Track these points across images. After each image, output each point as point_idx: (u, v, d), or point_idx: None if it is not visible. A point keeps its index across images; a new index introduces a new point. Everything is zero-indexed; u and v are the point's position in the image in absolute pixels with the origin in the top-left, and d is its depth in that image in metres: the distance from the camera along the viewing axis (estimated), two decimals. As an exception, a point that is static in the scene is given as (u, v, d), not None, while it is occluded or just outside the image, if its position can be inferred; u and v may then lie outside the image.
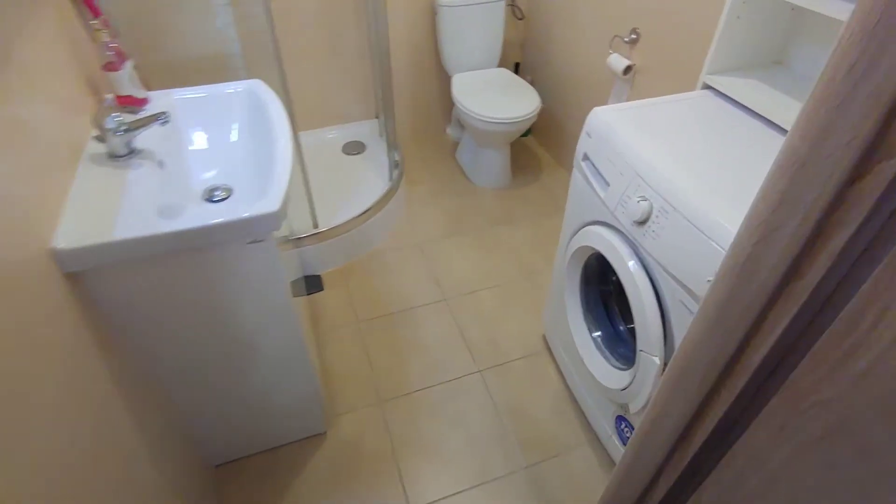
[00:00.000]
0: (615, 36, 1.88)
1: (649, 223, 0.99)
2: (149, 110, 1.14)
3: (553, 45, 2.35)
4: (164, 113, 1.00)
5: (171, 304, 0.95)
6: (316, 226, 1.88)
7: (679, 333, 0.97)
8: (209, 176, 1.17)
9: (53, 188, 0.85)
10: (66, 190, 0.88)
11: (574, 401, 1.54)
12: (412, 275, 1.95)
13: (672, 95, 1.23)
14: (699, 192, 0.92)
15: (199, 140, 1.21)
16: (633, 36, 1.79)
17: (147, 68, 1.22)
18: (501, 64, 2.47)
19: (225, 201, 1.14)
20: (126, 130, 0.96)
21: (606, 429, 1.36)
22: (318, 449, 1.42)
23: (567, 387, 1.58)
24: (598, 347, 1.31)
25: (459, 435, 1.46)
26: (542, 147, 2.66)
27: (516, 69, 2.69)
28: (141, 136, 1.02)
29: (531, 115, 2.08)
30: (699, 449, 0.61)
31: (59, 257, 0.79)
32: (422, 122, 2.70)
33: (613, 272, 1.12)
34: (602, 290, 1.36)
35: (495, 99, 2.16)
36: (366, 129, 2.54)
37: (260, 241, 0.93)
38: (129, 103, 1.12)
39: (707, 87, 1.26)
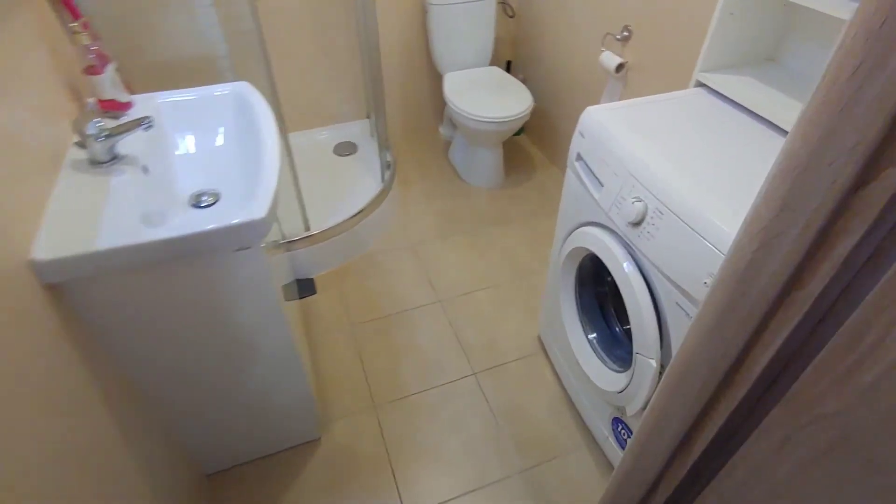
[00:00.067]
0: (607, 33, 1.86)
1: (644, 224, 0.98)
2: (132, 115, 1.12)
3: (545, 43, 2.34)
4: (147, 118, 0.97)
5: (156, 314, 0.93)
6: (308, 228, 1.86)
7: (675, 336, 0.96)
8: (196, 181, 1.15)
9: (32, 196, 0.82)
10: (45, 198, 0.86)
11: (570, 402, 1.53)
12: (406, 277, 1.93)
13: (665, 94, 1.22)
14: (694, 193, 0.90)
15: (185, 144, 1.19)
16: (626, 33, 1.78)
17: (131, 71, 1.19)
18: (493, 62, 2.45)
19: (212, 207, 1.12)
20: (108, 136, 0.94)
21: (603, 431, 1.35)
22: (312, 455, 1.40)
23: (563, 388, 1.56)
24: (594, 349, 1.30)
25: (455, 438, 1.44)
26: (535, 146, 2.64)
27: (508, 67, 2.67)
28: (124, 141, 1.00)
29: (523, 114, 2.07)
30: (699, 457, 0.60)
31: (38, 268, 0.76)
32: (414, 121, 2.68)
33: (608, 273, 1.11)
34: (597, 291, 1.35)
35: (487, 98, 2.14)
36: (357, 130, 2.51)
37: (247, 248, 0.91)
38: (112, 108, 1.09)
39: (700, 84, 1.25)
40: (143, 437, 1.03)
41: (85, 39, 1.05)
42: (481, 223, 2.18)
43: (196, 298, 0.94)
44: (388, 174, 2.15)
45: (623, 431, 1.24)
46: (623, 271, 1.03)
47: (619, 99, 1.89)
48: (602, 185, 1.10)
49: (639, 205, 0.98)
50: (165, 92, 1.19)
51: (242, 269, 0.94)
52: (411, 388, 1.57)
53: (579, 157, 1.18)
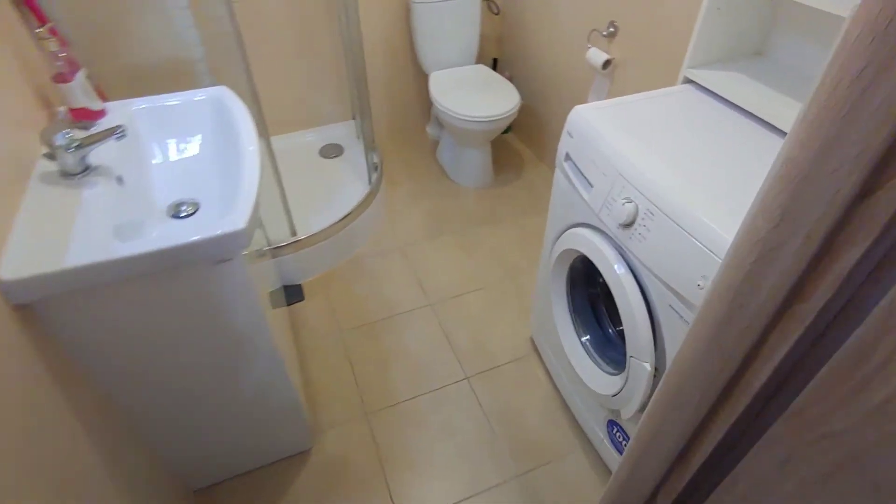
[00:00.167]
0: (593, 30, 1.85)
1: (635, 226, 0.96)
2: (106, 123, 1.08)
3: (531, 40, 2.32)
4: (119, 127, 0.93)
5: (134, 331, 0.89)
6: (294, 234, 1.82)
7: (669, 338, 0.94)
8: (174, 191, 1.11)
9: (-2, 213, 0.78)
10: (12, 214, 0.82)
11: (564, 404, 1.51)
12: (395, 280, 1.91)
13: (653, 91, 1.20)
14: (685, 193, 0.88)
15: (162, 152, 1.15)
16: (611, 29, 1.76)
17: (103, 77, 1.15)
18: (479, 60, 2.42)
19: (192, 217, 1.08)
20: (78, 147, 0.90)
21: (598, 433, 1.33)
22: (303, 467, 1.37)
23: (557, 390, 1.55)
24: (587, 352, 1.29)
25: (449, 445, 1.42)
26: (523, 144, 2.62)
27: (494, 65, 2.65)
28: (97, 151, 0.96)
29: (511, 113, 2.04)
30: (697, 470, 0.58)
31: (5, 289, 0.73)
32: (400, 121, 2.65)
33: (600, 274, 1.09)
34: (589, 292, 1.33)
35: (474, 97, 2.11)
36: (343, 131, 2.48)
37: (228, 260, 0.88)
38: (84, 117, 1.05)
39: (688, 81, 1.23)
40: (124, 454, 0.99)
41: (52, 46, 1.01)
42: (470, 223, 2.16)
43: (176, 313, 0.91)
44: (375, 176, 2.12)
45: (618, 434, 1.23)
46: (615, 274, 1.01)
47: (607, 96, 1.87)
48: (591, 186, 1.08)
49: (629, 206, 0.96)
50: (140, 98, 1.15)
51: (224, 282, 0.91)
52: (403, 394, 1.54)
53: (568, 158, 1.16)
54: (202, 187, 1.12)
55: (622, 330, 1.07)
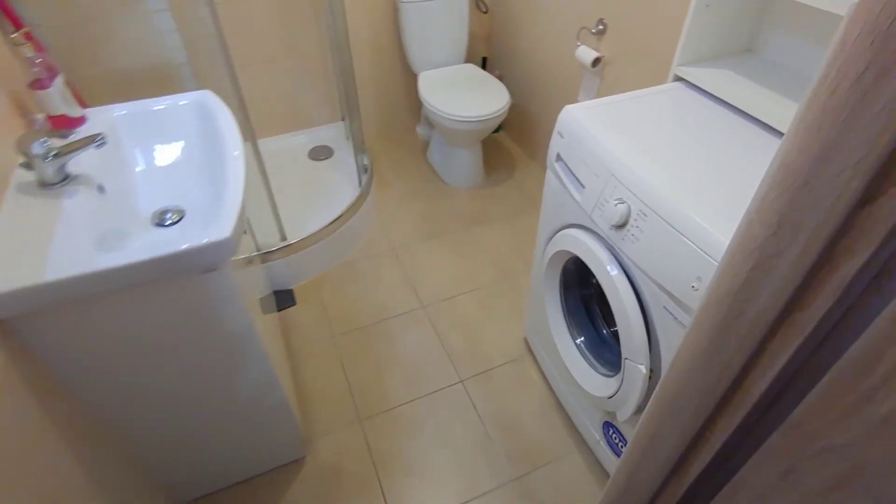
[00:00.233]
0: (582, 27, 1.83)
1: (628, 227, 0.95)
2: (85, 130, 1.05)
3: (520, 39, 2.30)
4: (99, 135, 0.91)
5: (118, 345, 0.87)
6: (284, 238, 1.80)
7: (664, 340, 0.93)
8: (158, 198, 1.08)
9: (-28, 226, 0.76)
10: (-12, 227, 0.79)
11: (559, 406, 1.50)
12: (388, 283, 1.89)
13: (644, 89, 1.19)
14: (678, 193, 0.87)
15: (146, 159, 1.12)
16: (600, 27, 1.75)
17: (83, 83, 1.12)
18: (468, 59, 2.41)
19: (177, 224, 1.06)
20: (56, 155, 0.87)
21: (594, 434, 1.32)
22: (296, 476, 1.35)
23: (552, 391, 1.54)
24: (582, 354, 1.27)
25: (444, 450, 1.41)
26: (514, 143, 2.61)
27: (484, 64, 2.63)
28: (77, 159, 0.93)
29: (501, 112, 2.03)
30: (696, 478, 0.57)
31: (-20, 305, 0.70)
32: (390, 122, 2.62)
33: (593, 274, 1.08)
34: (583, 293, 1.32)
35: (463, 96, 2.10)
36: (332, 133, 2.45)
37: (213, 270, 0.86)
38: (63, 124, 1.02)
39: (678, 78, 1.23)
40: (110, 467, 0.97)
41: (28, 51, 0.98)
42: (463, 224, 2.14)
43: (160, 325, 0.88)
44: (365, 178, 2.09)
45: (614, 435, 1.22)
46: (608, 275, 1.00)
47: (597, 94, 1.86)
48: (583, 187, 1.06)
49: (621, 207, 0.95)
50: (122, 104, 1.12)
51: (210, 292, 0.89)
52: (397, 399, 1.52)
53: (559, 158, 1.15)
54: (187, 194, 1.09)
55: (616, 331, 1.06)
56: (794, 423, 0.41)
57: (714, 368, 0.47)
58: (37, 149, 0.86)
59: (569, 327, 1.31)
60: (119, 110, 1.11)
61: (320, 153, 2.34)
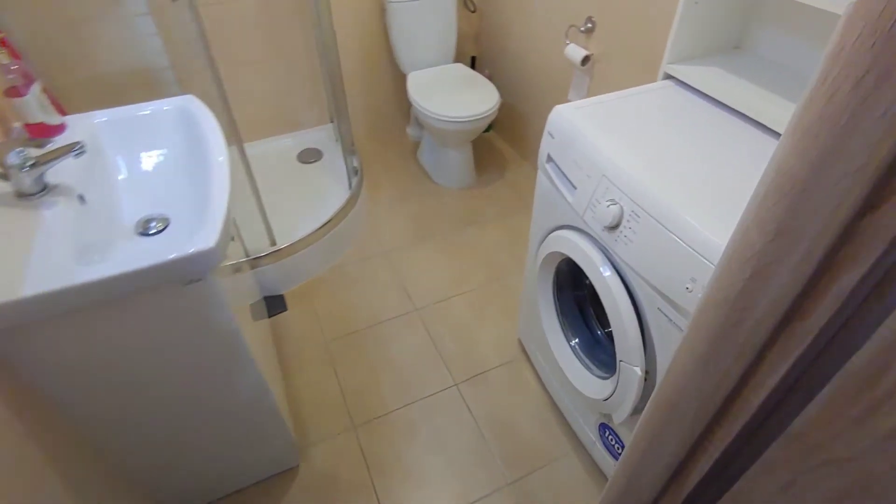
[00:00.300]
0: (571, 25, 1.82)
1: (621, 228, 0.93)
2: (65, 139, 1.02)
3: (509, 37, 2.29)
4: (77, 143, 0.88)
5: (101, 359, 0.85)
6: (274, 243, 1.78)
7: (659, 341, 0.93)
8: (142, 207, 1.06)
9: (-54, 241, 0.73)
10: (-37, 241, 0.77)
11: (555, 407, 1.50)
12: (380, 286, 1.87)
13: (634, 88, 1.18)
14: (671, 194, 0.86)
15: (128, 167, 1.10)
16: (589, 25, 1.74)
17: (62, 90, 1.09)
18: (457, 59, 2.39)
19: (162, 233, 1.03)
20: (33, 165, 0.85)
21: (590, 435, 1.31)
22: (290, 485, 1.34)
23: (547, 392, 1.53)
24: (577, 356, 1.26)
25: (439, 455, 1.39)
26: (505, 142, 2.60)
27: (473, 63, 2.62)
28: (56, 169, 0.91)
29: (491, 112, 2.02)
30: (695, 487, 0.56)
31: (-45, 323, 0.68)
32: (380, 123, 2.60)
33: (586, 275, 1.07)
34: (576, 294, 1.31)
35: (453, 96, 2.08)
36: (321, 136, 2.43)
37: (198, 280, 0.84)
38: (41, 133, 0.99)
39: (668, 76, 1.22)
40: (96, 484, 0.95)
41: (4, 58, 0.95)
42: (455, 225, 2.13)
43: (145, 338, 0.86)
44: (355, 180, 2.07)
45: (611, 437, 1.21)
46: (602, 277, 0.99)
47: (587, 92, 1.85)
48: (575, 188, 1.05)
49: (614, 208, 0.94)
50: (102, 111, 1.09)
51: (195, 303, 0.87)
52: (391, 404, 1.51)
53: (550, 159, 1.14)
54: (172, 201, 1.07)
55: (611, 331, 1.05)
56: (794, 435, 0.40)
57: (712, 376, 0.46)
58: (13, 159, 0.83)
59: (563, 329, 1.30)
60: (100, 117, 1.09)
61: (309, 156, 2.31)
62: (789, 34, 1.13)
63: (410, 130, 2.63)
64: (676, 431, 0.54)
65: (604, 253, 1.01)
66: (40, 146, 0.93)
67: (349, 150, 2.05)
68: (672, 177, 0.90)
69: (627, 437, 1.15)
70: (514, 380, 1.57)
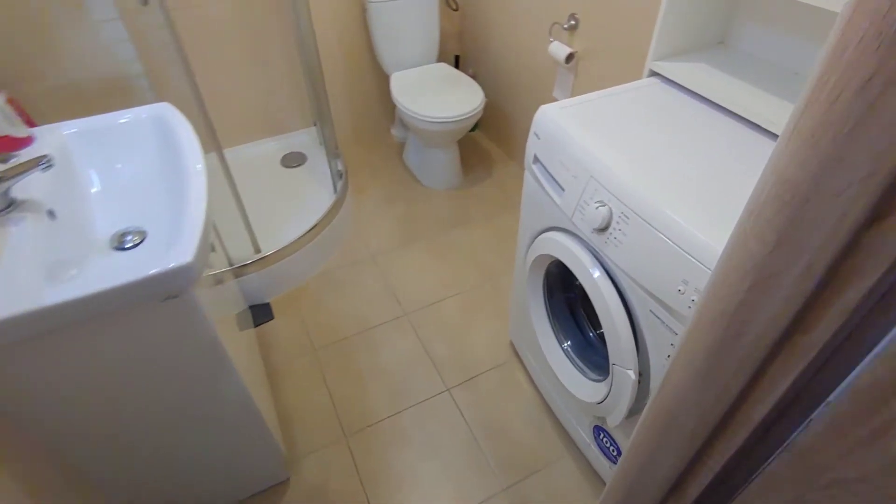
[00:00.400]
0: (554, 23, 1.81)
1: (610, 230, 0.92)
2: (33, 152, 0.98)
3: (492, 36, 2.27)
4: (44, 157, 0.84)
5: (75, 382, 0.81)
6: (258, 251, 1.74)
7: (652, 344, 0.91)
8: (117, 220, 1.02)
9: None
10: (-77, 263, 0.73)
11: (548, 409, 1.48)
12: (368, 291, 1.84)
13: (619, 86, 1.16)
14: (660, 194, 0.85)
15: (102, 179, 1.06)
16: (572, 22, 1.72)
17: (30, 101, 1.05)
18: (441, 58, 2.36)
19: (138, 247, 0.99)
20: (-3, 181, 0.81)
21: (585, 438, 1.30)
22: (281, 499, 1.30)
23: (540, 394, 1.51)
24: (569, 358, 1.25)
25: (433, 462, 1.37)
26: (491, 141, 2.58)
27: (457, 62, 2.59)
28: (22, 183, 0.86)
29: (476, 111, 1.99)
30: (694, 501, 0.54)
31: (-85, 352, 0.64)
32: (364, 125, 2.57)
33: (576, 277, 1.05)
34: (567, 296, 1.29)
35: (437, 97, 2.05)
36: (305, 139, 2.39)
37: (176, 296, 0.80)
38: (6, 146, 0.95)
39: (653, 73, 1.20)
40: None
41: (-36, 69, 0.91)
42: (442, 226, 2.10)
43: (122, 358, 0.83)
44: (340, 183, 2.04)
45: (605, 439, 1.20)
46: (592, 280, 0.98)
47: (572, 89, 1.84)
48: (563, 190, 1.03)
49: (603, 209, 0.92)
50: (73, 121, 1.05)
51: (174, 320, 0.84)
52: (383, 411, 1.48)
53: (536, 160, 1.12)
54: (148, 214, 1.03)
55: (602, 332, 1.03)
56: (799, 452, 0.38)
57: (711, 390, 0.45)
58: (-25, 175, 0.79)
59: (555, 332, 1.28)
60: (69, 128, 1.04)
61: (293, 160, 2.27)
62: (773, 29, 1.12)
63: (395, 131, 2.60)
64: (675, 444, 0.52)
65: (594, 255, 1.00)
66: (5, 160, 0.89)
67: (333, 152, 2.02)
68: (660, 177, 0.89)
69: (622, 440, 1.14)
70: (507, 382, 1.56)
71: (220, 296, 1.16)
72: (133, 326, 0.80)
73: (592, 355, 1.24)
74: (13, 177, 0.82)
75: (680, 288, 0.80)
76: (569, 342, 1.27)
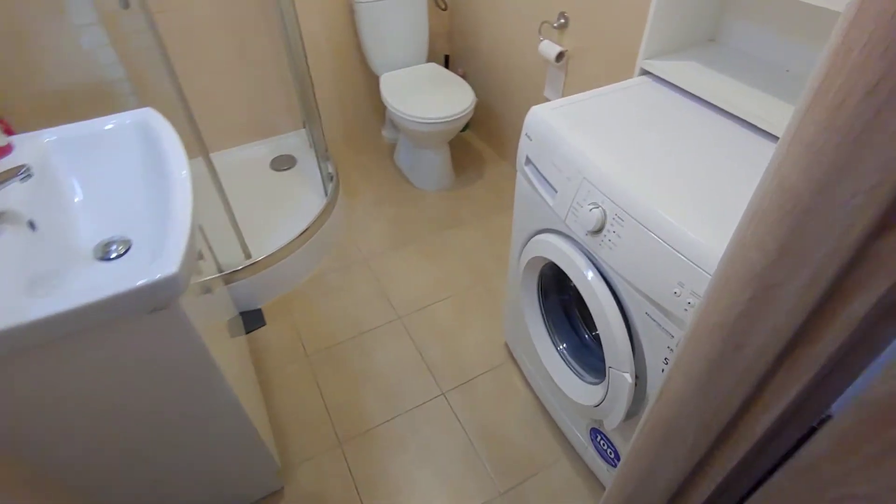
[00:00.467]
0: (544, 21, 1.80)
1: (604, 232, 0.91)
2: (10, 161, 0.95)
3: (482, 35, 2.25)
4: (23, 167, 0.82)
5: (59, 398, 0.79)
6: (249, 256, 1.72)
7: (649, 347, 0.90)
8: (101, 229, 1.00)
9: None
10: None
11: (544, 411, 1.47)
12: (361, 295, 1.82)
13: (610, 86, 1.15)
14: (654, 195, 0.84)
15: (84, 188, 1.03)
16: (562, 20, 1.71)
17: (10, 108, 1.02)
18: (430, 58, 2.35)
19: (123, 257, 0.97)
20: (-26, 193, 0.78)
21: (581, 440, 1.29)
22: (275, 509, 1.29)
23: (535, 396, 1.50)
24: (565, 361, 1.24)
25: (429, 467, 1.36)
26: (482, 141, 2.56)
27: (446, 62, 2.57)
28: (1, 193, 0.84)
29: (467, 111, 1.98)
30: (694, 510, 0.53)
31: None
32: (354, 127, 2.55)
33: (570, 278, 1.04)
34: (562, 298, 1.28)
35: (427, 97, 2.04)
36: (295, 141, 2.36)
37: (162, 308, 0.78)
38: (-16, 155, 0.93)
39: (645, 72, 1.19)
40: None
41: (-62, 77, 0.88)
42: (435, 228, 2.09)
43: (105, 371, 0.81)
44: (331, 186, 2.02)
45: (602, 442, 1.19)
46: (587, 282, 0.96)
47: (563, 88, 1.83)
48: (556, 191, 1.02)
49: (596, 211, 0.91)
50: (53, 129, 1.03)
51: (160, 332, 0.81)
52: (377, 417, 1.47)
53: (528, 161, 1.11)
54: (133, 222, 1.01)
55: (598, 334, 1.02)
56: (805, 466, 0.37)
57: (711, 401, 0.43)
58: (-50, 187, 0.76)
59: (550, 334, 1.27)
60: (49, 136, 1.02)
61: (283, 163, 2.25)
62: (763, 25, 1.11)
63: (386, 132, 2.58)
64: (674, 455, 0.51)
65: (588, 258, 0.98)
66: (-19, 171, 0.86)
67: (323, 155, 1.99)
68: (654, 177, 0.88)
69: (619, 443, 1.13)
70: (502, 385, 1.54)
71: (210, 304, 1.13)
72: (118, 339, 0.78)
73: (588, 357, 1.23)
74: (-10, 188, 0.79)
75: (676, 290, 0.79)
76: (564, 344, 1.26)
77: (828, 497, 0.36)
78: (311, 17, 2.10)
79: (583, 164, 0.94)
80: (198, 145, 1.38)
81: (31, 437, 0.81)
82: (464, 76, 2.43)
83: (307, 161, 2.24)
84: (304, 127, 2.38)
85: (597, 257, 0.96)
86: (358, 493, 1.31)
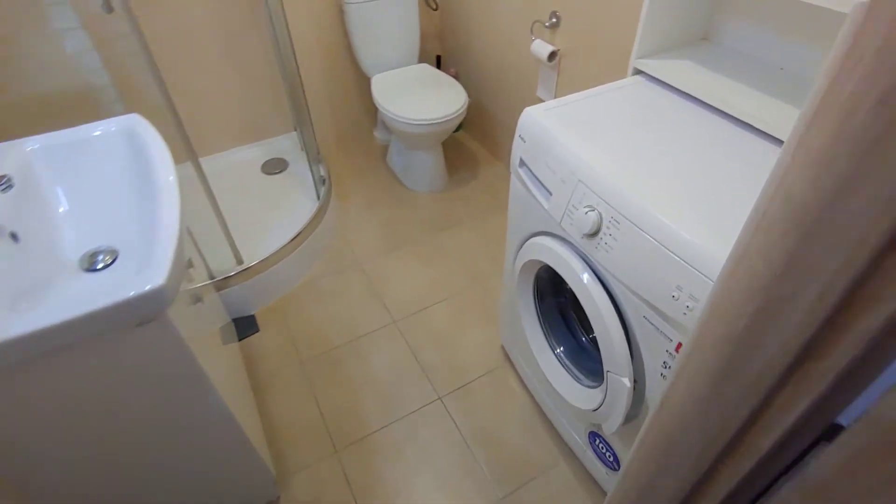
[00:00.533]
0: (535, 21, 1.78)
1: (600, 235, 0.89)
2: (-7, 170, 0.93)
3: (473, 35, 2.24)
4: (3, 177, 0.80)
5: (44, 416, 0.77)
6: (240, 262, 1.69)
7: (647, 351, 0.89)
8: (87, 239, 0.97)
9: None
10: None
11: (542, 414, 1.46)
12: (355, 299, 1.80)
13: (604, 86, 1.14)
14: (650, 197, 0.83)
15: (69, 197, 1.01)
16: (554, 20, 1.70)
17: (-11, 115, 0.99)
18: (422, 59, 2.33)
19: (109, 268, 0.95)
20: (-47, 206, 0.76)
21: (580, 442, 1.28)
22: (271, 519, 1.27)
23: (533, 399, 1.49)
24: (563, 364, 1.23)
25: (427, 474, 1.34)
26: (475, 142, 2.55)
27: (438, 63, 2.56)
28: (-19, 206, 0.82)
29: (459, 112, 1.96)
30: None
31: None
32: (346, 129, 2.52)
33: (566, 281, 1.03)
34: (558, 300, 1.27)
35: (419, 98, 2.02)
36: (286, 144, 2.34)
37: (149, 321, 0.76)
38: (-37, 165, 0.90)
39: (638, 71, 1.18)
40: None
41: (-86, 86, 0.85)
42: (429, 230, 2.07)
43: (93, 389, 0.78)
44: (323, 189, 2.00)
45: (601, 445, 1.18)
46: (583, 285, 0.95)
47: (556, 87, 1.82)
48: (551, 194, 1.01)
49: (592, 214, 0.89)
50: (35, 137, 1.00)
51: (148, 345, 0.79)
52: (374, 423, 1.45)
53: (522, 163, 1.09)
54: (119, 231, 0.99)
55: (595, 337, 1.01)
56: (815, 485, 0.36)
57: (715, 416, 0.42)
58: (-73, 200, 0.74)
59: (547, 337, 1.26)
60: (32, 144, 0.99)
61: (274, 166, 2.22)
62: (757, 24, 1.11)
63: (378, 134, 2.56)
64: (677, 469, 0.50)
65: (584, 261, 0.97)
66: (-40, 182, 0.84)
67: (315, 158, 1.97)
68: (650, 179, 0.87)
69: (618, 446, 1.12)
70: (500, 388, 1.53)
71: (201, 312, 1.11)
72: (104, 352, 0.76)
73: (586, 361, 1.22)
74: (-31, 200, 0.77)
75: (674, 294, 0.78)
76: (561, 348, 1.25)
77: (839, 516, 0.34)
78: (301, 19, 2.07)
79: (577, 166, 0.93)
80: (186, 150, 1.35)
81: (15, 453, 0.79)
82: (456, 76, 2.41)
83: (299, 164, 2.22)
84: (296, 130, 2.35)
85: (593, 261, 0.95)
86: (355, 501, 1.29)
